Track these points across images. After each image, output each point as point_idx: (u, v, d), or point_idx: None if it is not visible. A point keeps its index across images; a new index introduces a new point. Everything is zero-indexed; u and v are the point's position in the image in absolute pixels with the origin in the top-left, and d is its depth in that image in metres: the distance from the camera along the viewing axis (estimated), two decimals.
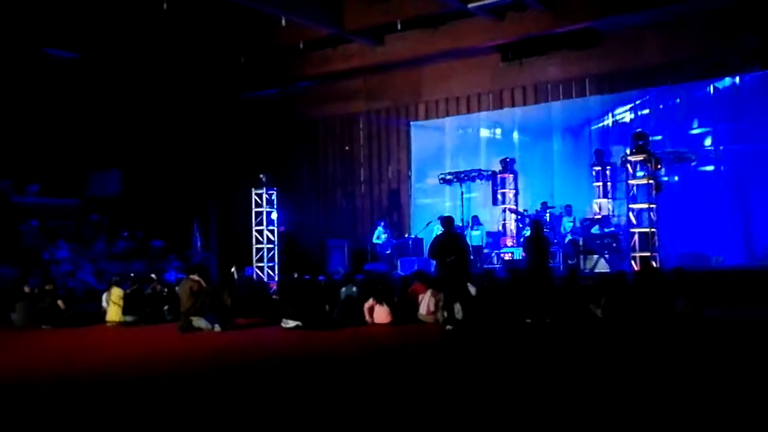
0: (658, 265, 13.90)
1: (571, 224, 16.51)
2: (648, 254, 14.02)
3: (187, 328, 11.82)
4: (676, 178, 16.50)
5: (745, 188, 16.02)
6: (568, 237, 16.24)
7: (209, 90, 21.41)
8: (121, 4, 17.62)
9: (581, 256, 15.71)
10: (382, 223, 19.20)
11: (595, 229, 16.04)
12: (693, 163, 16.27)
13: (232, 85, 21.63)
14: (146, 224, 19.76)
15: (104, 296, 13.80)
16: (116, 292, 13.34)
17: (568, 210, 16.76)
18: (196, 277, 12.32)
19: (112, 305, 13.26)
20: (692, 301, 11.12)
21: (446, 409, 5.97)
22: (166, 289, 14.01)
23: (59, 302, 13.42)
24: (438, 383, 7.16)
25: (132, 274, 14.61)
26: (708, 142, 16.52)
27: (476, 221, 17.67)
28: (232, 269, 14.27)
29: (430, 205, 19.92)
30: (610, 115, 17.64)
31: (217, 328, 11.73)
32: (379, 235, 18.86)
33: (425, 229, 18.01)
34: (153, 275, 14.61)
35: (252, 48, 20.21)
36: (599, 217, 16.53)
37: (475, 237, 17.28)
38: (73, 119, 20.05)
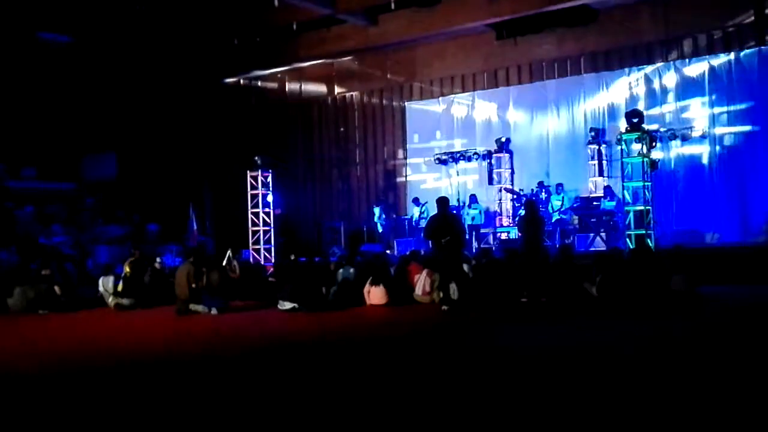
0: (653, 243, 13.93)
1: (560, 203, 16.51)
2: (643, 232, 14.04)
3: (184, 311, 11.84)
4: (671, 156, 16.51)
5: (740, 164, 16.03)
6: (555, 216, 16.27)
7: (204, 72, 21.30)
8: None
9: (576, 235, 15.76)
10: (381, 206, 19.26)
11: (596, 206, 16.06)
12: (688, 141, 16.27)
13: (226, 67, 21.51)
14: (142, 208, 19.73)
15: (101, 281, 13.80)
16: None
17: (558, 188, 16.74)
18: (193, 261, 12.33)
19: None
20: (688, 279, 11.16)
21: (447, 393, 6.00)
22: (166, 271, 14.01)
23: (56, 287, 13.41)
24: (438, 365, 7.20)
25: (132, 254, 14.35)
26: (703, 119, 16.48)
27: (473, 200, 17.69)
28: (228, 252, 14.23)
29: (426, 185, 19.93)
30: (605, 92, 17.60)
31: (213, 311, 11.76)
32: (380, 215, 18.95)
33: (421, 210, 18.02)
34: (158, 258, 14.56)
35: (245, 30, 20.09)
36: (595, 195, 16.53)
37: (473, 216, 17.35)
38: (67, 103, 19.98)
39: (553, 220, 16.15)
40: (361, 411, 5.45)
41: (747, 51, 15.99)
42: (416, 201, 18.55)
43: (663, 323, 9.18)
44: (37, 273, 13.71)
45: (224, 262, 13.30)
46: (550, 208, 16.52)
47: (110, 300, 13.33)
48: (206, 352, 8.60)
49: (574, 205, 16.42)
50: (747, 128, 15.99)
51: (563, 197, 16.57)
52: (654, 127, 16.25)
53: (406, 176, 20.75)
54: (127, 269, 13.35)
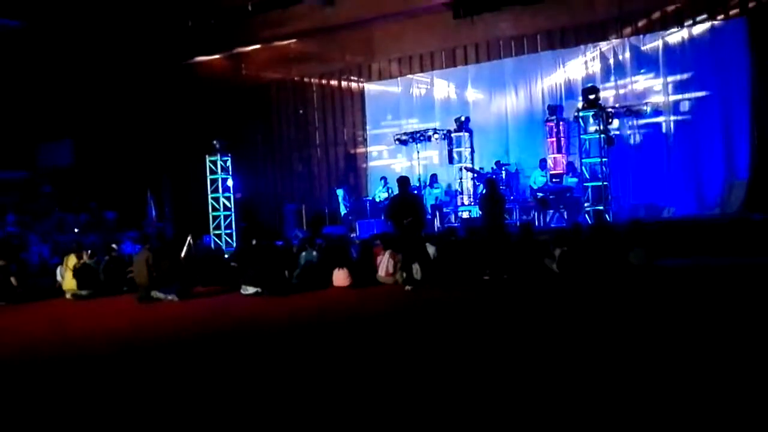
0: (611, 218, 14.14)
1: (544, 178, 16.51)
2: (601, 207, 14.24)
3: (145, 298, 11.72)
4: (628, 132, 16.73)
5: (695, 139, 16.28)
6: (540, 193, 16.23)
7: (159, 55, 20.92)
8: None
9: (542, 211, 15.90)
10: (344, 188, 19.19)
11: (557, 182, 16.16)
12: (644, 116, 16.49)
13: (181, 50, 21.16)
14: (100, 195, 19.41)
15: (58, 270, 13.56)
16: (72, 260, 13.07)
17: (542, 164, 16.67)
18: (150, 248, 12.19)
19: (68, 271, 13.00)
20: (646, 252, 11.35)
21: (412, 370, 6.03)
22: (126, 259, 13.82)
23: (12, 278, 13.14)
24: (403, 343, 7.23)
25: (73, 244, 14.06)
26: (658, 94, 16.70)
27: (434, 179, 17.73)
28: (189, 238, 14.08)
29: (387, 166, 19.93)
30: (562, 70, 17.73)
31: (174, 297, 11.65)
32: (344, 197, 18.90)
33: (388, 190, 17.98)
34: (114, 245, 14.34)
35: (201, 11, 19.76)
36: (559, 171, 16.65)
37: (436, 195, 17.40)
38: (20, 89, 19.50)
39: (539, 197, 15.97)
40: (331, 392, 5.46)
41: (700, 26, 16.21)
42: (384, 180, 18.40)
43: (622, 296, 9.34)
44: None
45: (184, 251, 13.17)
46: (532, 182, 16.55)
47: (67, 284, 13.07)
48: (171, 338, 8.52)
49: (552, 181, 16.36)
50: (701, 104, 16.23)
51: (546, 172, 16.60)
52: (611, 94, 16.43)
53: (366, 157, 20.71)
54: (68, 264, 13.03)
